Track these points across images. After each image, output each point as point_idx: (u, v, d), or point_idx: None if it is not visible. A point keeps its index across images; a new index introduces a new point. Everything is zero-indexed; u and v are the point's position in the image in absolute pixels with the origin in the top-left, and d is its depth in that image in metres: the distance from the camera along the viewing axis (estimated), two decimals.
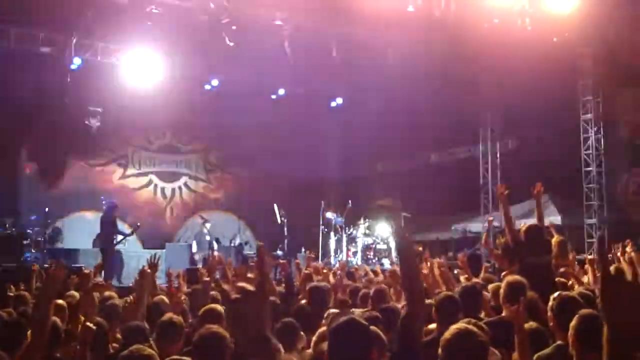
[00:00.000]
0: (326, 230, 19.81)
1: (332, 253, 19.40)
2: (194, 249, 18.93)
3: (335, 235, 19.68)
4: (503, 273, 7.61)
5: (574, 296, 5.31)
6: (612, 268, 2.58)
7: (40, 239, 17.67)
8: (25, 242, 17.11)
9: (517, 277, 6.27)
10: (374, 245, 19.33)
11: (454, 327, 3.63)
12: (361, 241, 19.23)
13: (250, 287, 2.36)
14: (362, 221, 19.48)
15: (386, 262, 18.51)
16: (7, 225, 17.10)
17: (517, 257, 7.89)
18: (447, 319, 5.46)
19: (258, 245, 2.43)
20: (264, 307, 2.31)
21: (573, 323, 4.35)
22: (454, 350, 3.49)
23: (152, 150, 22.96)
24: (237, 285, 2.35)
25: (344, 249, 19.18)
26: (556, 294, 5.13)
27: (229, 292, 2.24)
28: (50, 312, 4.65)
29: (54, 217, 19.00)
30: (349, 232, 19.49)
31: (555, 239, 9.07)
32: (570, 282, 7.98)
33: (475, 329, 3.61)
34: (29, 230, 17.60)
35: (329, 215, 19.84)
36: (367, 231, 19.42)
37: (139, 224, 17.42)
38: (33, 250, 17.39)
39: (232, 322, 2.35)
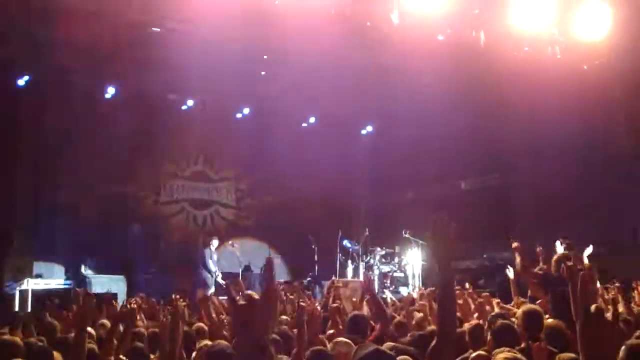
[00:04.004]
0: (344, 258, 19.86)
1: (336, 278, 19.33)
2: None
3: (352, 263, 19.70)
4: (538, 302, 7.59)
5: None
6: (592, 307, 2.61)
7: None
8: None
9: (533, 307, 6.28)
10: (391, 273, 19.33)
11: (501, 356, 3.61)
12: (378, 269, 19.22)
13: (256, 296, 2.47)
14: (379, 249, 19.54)
15: (403, 290, 18.49)
16: None
17: (549, 286, 7.87)
18: (480, 347, 5.52)
19: (268, 258, 2.55)
20: (267, 316, 2.43)
21: (621, 355, 3.97)
22: None
23: (184, 177, 23.13)
24: (245, 293, 2.48)
25: (361, 276, 19.15)
26: (630, 344, 4.42)
27: (236, 298, 2.36)
28: (84, 340, 4.74)
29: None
30: (366, 260, 19.50)
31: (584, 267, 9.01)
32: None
33: (523, 357, 3.60)
34: None
35: (346, 243, 19.89)
36: (384, 259, 19.46)
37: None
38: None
39: (236, 328, 2.48)
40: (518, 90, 18.01)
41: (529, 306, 6.25)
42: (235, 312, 2.48)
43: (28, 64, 18.10)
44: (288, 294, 10.93)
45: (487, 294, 9.58)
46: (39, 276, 17.74)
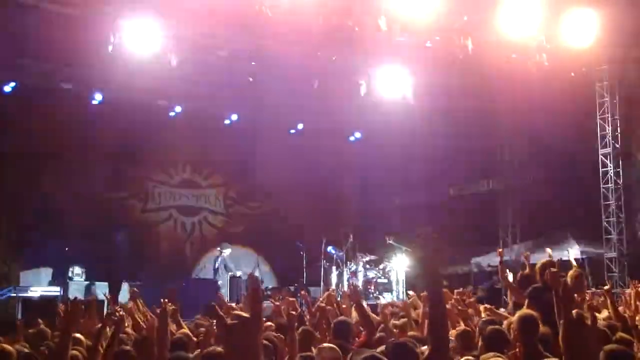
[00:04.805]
0: (328, 264, 19.88)
1: (334, 287, 19.33)
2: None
3: (336, 270, 19.72)
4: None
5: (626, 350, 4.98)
6: (573, 312, 2.68)
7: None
8: None
9: (529, 312, 6.25)
10: (374, 280, 19.34)
11: None
12: (362, 275, 19.25)
13: (245, 314, 2.44)
14: (363, 255, 19.55)
15: (387, 296, 18.49)
16: None
17: (535, 294, 7.84)
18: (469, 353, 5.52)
19: (250, 275, 2.54)
20: (257, 334, 2.41)
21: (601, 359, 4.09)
22: None
23: (172, 184, 23.03)
24: (233, 313, 2.45)
25: (345, 283, 19.15)
26: (608, 349, 4.46)
27: (224, 318, 2.34)
28: (68, 347, 4.71)
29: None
30: (350, 266, 19.54)
31: (571, 272, 8.97)
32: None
33: None
34: None
35: (330, 249, 19.91)
36: (369, 265, 19.47)
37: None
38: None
39: (226, 347, 2.45)
40: (506, 96, 18.07)
41: (524, 311, 6.22)
42: (224, 331, 2.45)
43: (14, 71, 17.98)
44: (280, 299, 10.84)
45: (473, 299, 9.53)
46: (51, 284, 17.70)
